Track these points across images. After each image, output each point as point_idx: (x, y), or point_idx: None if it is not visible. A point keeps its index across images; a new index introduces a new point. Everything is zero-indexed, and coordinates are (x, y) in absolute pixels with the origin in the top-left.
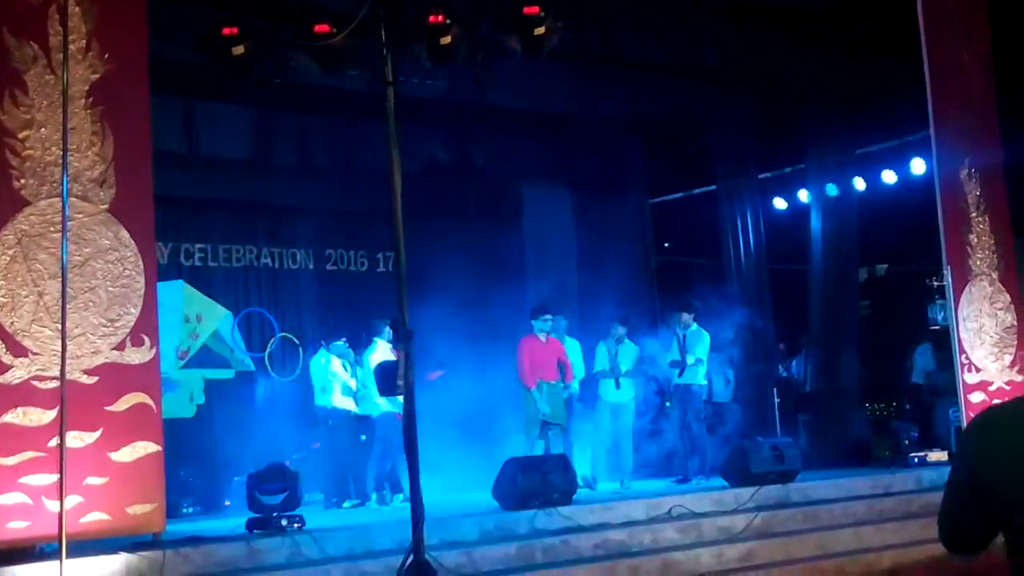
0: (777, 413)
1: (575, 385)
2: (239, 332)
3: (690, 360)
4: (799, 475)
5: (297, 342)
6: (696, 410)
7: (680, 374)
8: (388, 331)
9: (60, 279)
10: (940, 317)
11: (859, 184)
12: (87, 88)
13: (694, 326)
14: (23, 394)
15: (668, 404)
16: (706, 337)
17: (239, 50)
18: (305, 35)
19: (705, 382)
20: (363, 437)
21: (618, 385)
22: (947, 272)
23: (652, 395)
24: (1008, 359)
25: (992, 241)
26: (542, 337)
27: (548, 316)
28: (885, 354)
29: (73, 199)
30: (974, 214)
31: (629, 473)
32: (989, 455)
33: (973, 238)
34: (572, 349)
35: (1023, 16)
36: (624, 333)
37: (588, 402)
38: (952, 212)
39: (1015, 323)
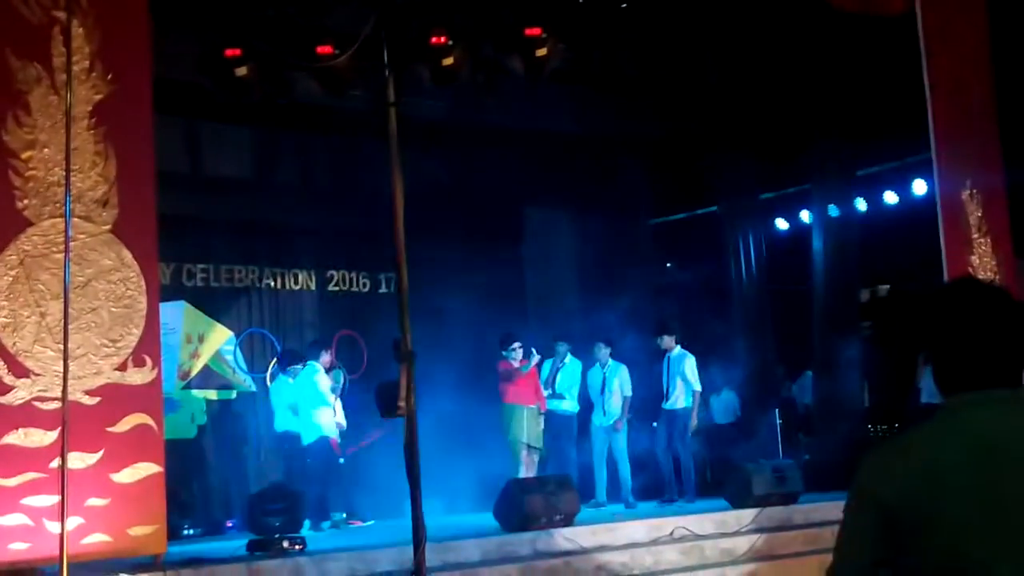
0: (779, 434)
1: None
2: (241, 352)
3: (673, 384)
4: (801, 497)
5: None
6: (680, 432)
7: (666, 399)
8: (324, 354)
9: (62, 300)
10: None
11: (861, 205)
12: (90, 109)
13: (677, 349)
14: (25, 415)
15: (655, 425)
16: (690, 359)
17: (242, 71)
18: (307, 56)
19: (689, 405)
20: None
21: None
22: None
23: (640, 416)
24: None
25: (994, 263)
26: (515, 363)
27: (516, 344)
28: (887, 375)
29: (76, 219)
30: (976, 235)
31: (631, 492)
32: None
33: (975, 259)
34: (573, 371)
35: None
36: (566, 350)
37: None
38: (954, 233)
39: None
